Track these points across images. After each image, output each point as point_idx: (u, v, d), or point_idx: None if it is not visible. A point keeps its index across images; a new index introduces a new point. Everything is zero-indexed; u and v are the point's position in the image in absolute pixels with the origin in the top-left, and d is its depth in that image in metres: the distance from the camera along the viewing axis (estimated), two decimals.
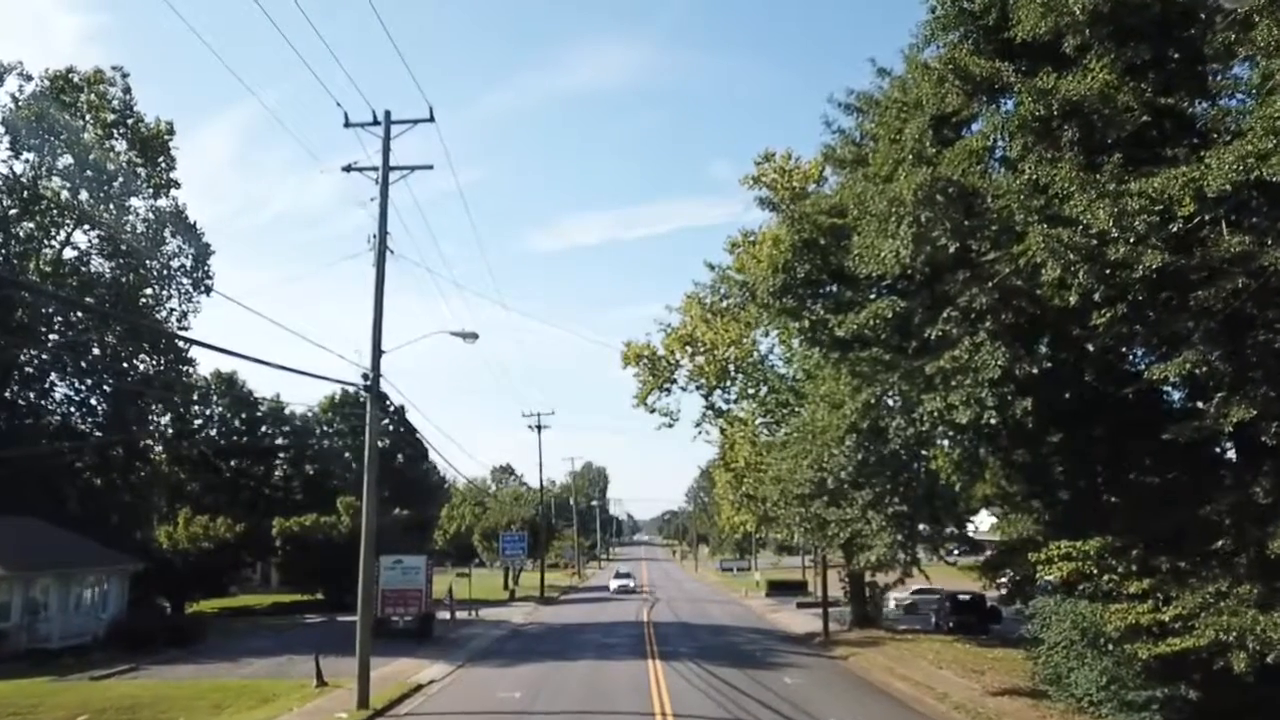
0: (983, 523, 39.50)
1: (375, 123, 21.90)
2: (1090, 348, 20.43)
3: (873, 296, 20.92)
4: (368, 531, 20.89)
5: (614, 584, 69.07)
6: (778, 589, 60.76)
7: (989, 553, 30.64)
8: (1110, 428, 19.25)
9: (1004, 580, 29.04)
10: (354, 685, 20.74)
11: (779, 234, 21.12)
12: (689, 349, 40.85)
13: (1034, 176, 16.17)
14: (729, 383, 40.97)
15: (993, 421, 16.57)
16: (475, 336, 21.70)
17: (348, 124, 21.83)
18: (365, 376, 20.16)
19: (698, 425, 42.30)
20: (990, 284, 17.37)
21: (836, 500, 22.71)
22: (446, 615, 40.91)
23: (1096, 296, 15.23)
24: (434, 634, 34.32)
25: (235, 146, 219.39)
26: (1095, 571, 17.87)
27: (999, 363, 16.51)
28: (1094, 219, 14.11)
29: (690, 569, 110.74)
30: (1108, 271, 14.47)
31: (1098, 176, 14.39)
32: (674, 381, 41.72)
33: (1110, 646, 17.14)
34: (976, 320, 17.75)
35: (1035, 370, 16.58)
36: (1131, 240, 14.19)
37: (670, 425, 42.25)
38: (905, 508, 21.33)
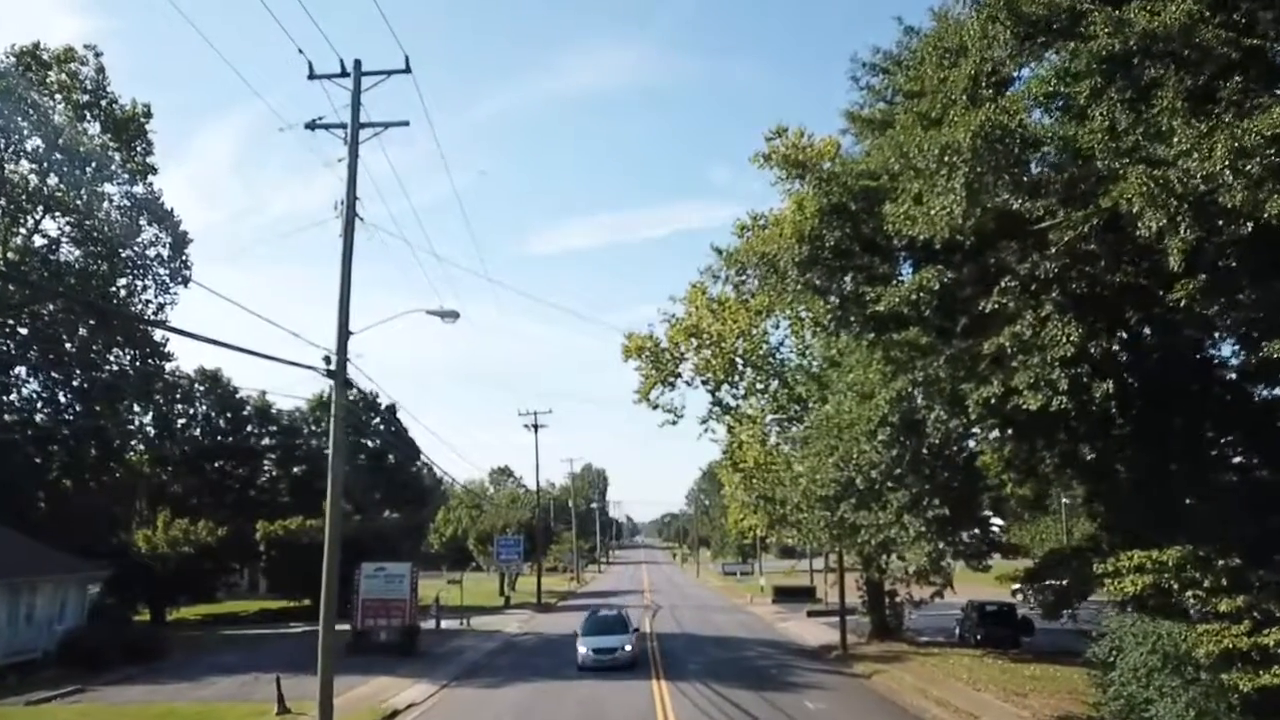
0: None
1: (344, 74, 19.36)
2: (1146, 330, 17.98)
3: (909, 269, 18.43)
4: (331, 533, 18.24)
5: (583, 649, 27.11)
6: (785, 595, 57.94)
7: (1029, 560, 27.99)
8: (1190, 419, 16.70)
9: (1019, 588, 26.34)
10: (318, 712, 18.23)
11: (804, 198, 18.55)
12: (694, 341, 38.35)
13: (1109, 121, 13.75)
14: (737, 377, 38.44)
15: (1066, 407, 13.97)
16: (456, 315, 19.13)
17: (312, 75, 19.19)
18: (327, 360, 17.57)
19: (703, 423, 39.76)
20: (1055, 249, 14.86)
21: (867, 503, 20.10)
22: (432, 625, 38.43)
23: (1176, 266, 12.71)
24: (419, 648, 31.69)
25: (232, 153, 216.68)
26: (1175, 586, 15.35)
27: (1072, 339, 13.99)
28: (1205, 160, 11.51)
29: (691, 573, 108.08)
30: (1220, 223, 11.90)
31: (1211, 107, 11.81)
32: (678, 376, 39.20)
33: (1202, 675, 14.54)
34: (1039, 291, 15.23)
35: (1116, 347, 13.99)
36: (1244, 186, 11.66)
37: (674, 422, 39.73)
38: (946, 511, 18.73)
